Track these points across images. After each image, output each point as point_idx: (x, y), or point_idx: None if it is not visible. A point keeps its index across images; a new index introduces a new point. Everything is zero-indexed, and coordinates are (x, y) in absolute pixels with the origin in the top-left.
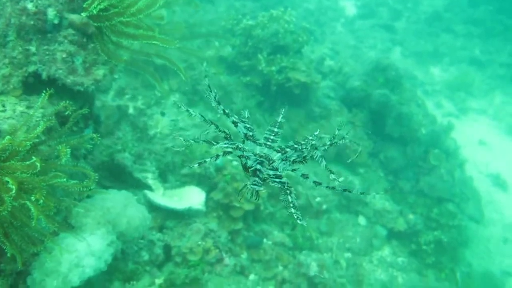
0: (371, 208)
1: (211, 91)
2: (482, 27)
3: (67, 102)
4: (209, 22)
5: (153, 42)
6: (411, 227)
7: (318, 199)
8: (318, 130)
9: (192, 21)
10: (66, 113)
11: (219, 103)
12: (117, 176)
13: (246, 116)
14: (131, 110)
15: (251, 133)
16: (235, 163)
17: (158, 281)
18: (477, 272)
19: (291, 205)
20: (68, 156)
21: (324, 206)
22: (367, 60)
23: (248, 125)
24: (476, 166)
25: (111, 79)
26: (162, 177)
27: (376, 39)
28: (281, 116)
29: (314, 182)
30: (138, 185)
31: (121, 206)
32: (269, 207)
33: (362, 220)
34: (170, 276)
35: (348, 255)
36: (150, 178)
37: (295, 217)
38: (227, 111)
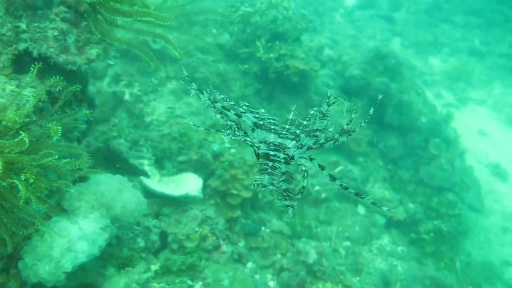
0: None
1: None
2: (482, 17)
3: (58, 77)
4: (207, 9)
5: (148, 18)
6: (411, 216)
7: (317, 187)
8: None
9: (189, 8)
10: (57, 89)
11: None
12: (113, 162)
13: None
14: (127, 97)
15: (261, 122)
16: (233, 150)
17: (154, 267)
18: (477, 262)
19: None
20: (60, 135)
21: (323, 195)
22: (366, 48)
23: (259, 115)
24: (476, 156)
25: (107, 66)
26: (159, 164)
27: (376, 29)
28: (292, 113)
29: (330, 176)
30: (134, 172)
31: (116, 190)
32: (267, 195)
33: (361, 209)
34: (166, 263)
35: (347, 243)
36: (146, 165)
37: (291, 210)
38: (231, 102)
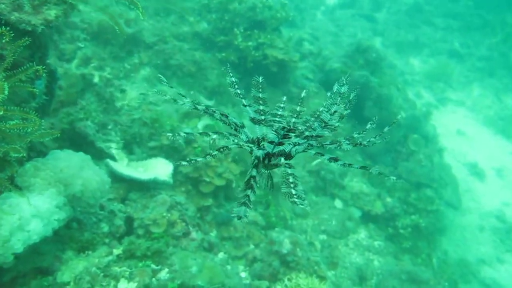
0: (348, 191)
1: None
2: (461, 20)
3: (4, 28)
4: None
5: None
6: (389, 211)
7: (292, 179)
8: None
9: None
10: (4, 41)
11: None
12: (78, 145)
13: (260, 97)
14: (96, 79)
15: (262, 117)
16: (206, 138)
17: (117, 251)
18: (453, 259)
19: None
20: (6, 93)
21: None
22: (347, 42)
23: (260, 108)
24: (454, 155)
25: (76, 48)
26: (128, 149)
27: (357, 28)
28: (304, 91)
29: (344, 164)
30: (100, 156)
31: (77, 167)
32: (241, 185)
33: (338, 203)
34: (130, 247)
35: (323, 237)
36: (113, 148)
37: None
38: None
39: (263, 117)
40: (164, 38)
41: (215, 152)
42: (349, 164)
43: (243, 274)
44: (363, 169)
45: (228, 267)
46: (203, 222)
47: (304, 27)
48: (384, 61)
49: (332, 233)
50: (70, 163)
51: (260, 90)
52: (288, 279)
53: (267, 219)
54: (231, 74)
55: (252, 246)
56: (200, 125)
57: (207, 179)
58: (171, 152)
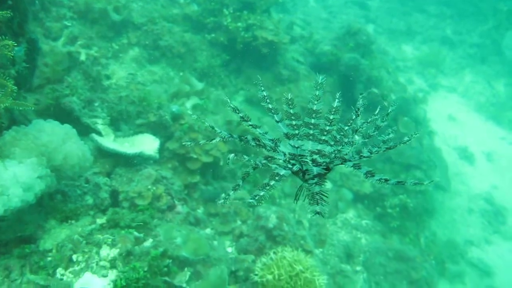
0: (337, 171)
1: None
2: (454, 8)
3: None
4: None
5: None
6: (377, 191)
7: (281, 161)
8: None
9: None
10: None
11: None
12: (63, 121)
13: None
14: (83, 57)
15: (296, 131)
16: (194, 116)
17: (100, 220)
18: (441, 240)
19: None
20: None
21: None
22: (338, 26)
23: (291, 122)
24: (444, 140)
25: (63, 27)
26: (115, 126)
27: (349, 15)
28: (336, 101)
29: (381, 179)
30: (86, 132)
31: (59, 140)
32: (230, 164)
33: (328, 183)
34: (114, 216)
35: (311, 216)
36: (100, 124)
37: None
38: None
39: (297, 131)
40: (153, 19)
41: (273, 182)
42: (386, 180)
43: (229, 249)
44: (400, 184)
45: (215, 242)
46: (191, 199)
47: (296, 13)
48: (374, 44)
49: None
50: (53, 136)
51: (290, 106)
52: (274, 253)
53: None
54: (262, 88)
55: (239, 222)
56: (189, 104)
57: (194, 156)
58: (158, 129)
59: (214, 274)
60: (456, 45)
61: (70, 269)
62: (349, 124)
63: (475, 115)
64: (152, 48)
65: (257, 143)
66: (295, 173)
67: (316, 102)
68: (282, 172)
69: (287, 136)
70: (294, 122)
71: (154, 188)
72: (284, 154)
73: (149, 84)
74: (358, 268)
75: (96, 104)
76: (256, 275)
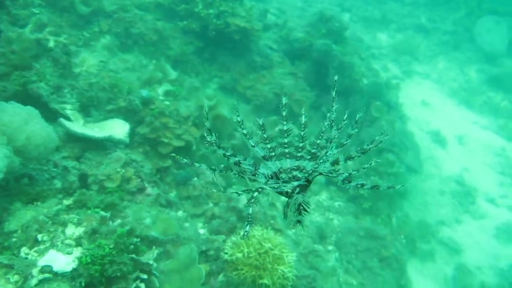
0: None
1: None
2: None
3: None
4: None
5: None
6: (350, 173)
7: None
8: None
9: None
10: None
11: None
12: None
13: (261, 123)
14: (51, 44)
15: (273, 153)
16: (167, 102)
17: (67, 202)
18: (413, 221)
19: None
20: None
21: (262, 153)
22: (311, 12)
23: (266, 145)
24: (418, 124)
25: (30, 14)
26: (85, 112)
27: (325, 3)
28: (303, 116)
29: (357, 185)
30: (54, 118)
31: (21, 120)
32: (202, 149)
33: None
34: (81, 197)
35: (284, 198)
36: (69, 110)
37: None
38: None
39: (273, 153)
40: (125, 6)
41: (256, 194)
42: (362, 185)
43: (201, 231)
44: (375, 188)
45: (187, 224)
46: (163, 183)
47: (271, 2)
48: (347, 31)
49: None
50: (15, 116)
51: (263, 131)
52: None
53: (227, 180)
54: (237, 114)
55: (211, 204)
56: (160, 90)
57: (165, 140)
58: (128, 114)
59: (184, 253)
60: (431, 33)
61: (35, 248)
62: (320, 137)
63: (448, 100)
64: (124, 36)
65: (238, 171)
66: (279, 192)
67: (284, 123)
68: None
69: (265, 158)
70: (269, 145)
71: (124, 170)
72: (265, 177)
73: (121, 72)
74: (330, 247)
75: (66, 90)
76: (226, 253)
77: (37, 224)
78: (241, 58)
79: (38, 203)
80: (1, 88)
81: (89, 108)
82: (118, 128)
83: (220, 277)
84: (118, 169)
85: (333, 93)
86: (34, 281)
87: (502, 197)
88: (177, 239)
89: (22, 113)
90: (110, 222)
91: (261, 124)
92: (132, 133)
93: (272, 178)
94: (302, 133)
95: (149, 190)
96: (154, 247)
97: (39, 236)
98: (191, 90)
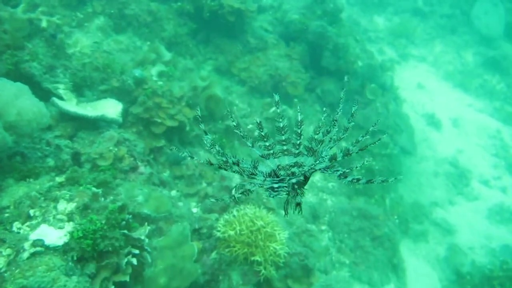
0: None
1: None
2: None
3: None
4: None
5: None
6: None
7: (250, 126)
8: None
9: None
10: None
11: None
12: None
13: (258, 122)
14: (44, 24)
15: (271, 151)
16: (160, 83)
17: (59, 179)
18: (407, 203)
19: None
20: None
21: (256, 133)
22: None
23: (263, 143)
24: (413, 107)
25: None
26: (79, 92)
27: None
28: (298, 114)
29: (353, 180)
30: (47, 98)
31: (11, 96)
32: (195, 129)
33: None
34: (73, 174)
35: (277, 119)
36: (61, 89)
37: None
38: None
39: (271, 151)
40: None
41: (239, 195)
42: (357, 179)
43: (195, 210)
44: (369, 182)
45: (180, 203)
46: (157, 163)
47: None
48: (342, 12)
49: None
50: (4, 92)
51: (261, 129)
52: (237, 210)
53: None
54: (232, 119)
55: (204, 184)
56: (154, 71)
57: (159, 120)
58: (122, 94)
59: (176, 230)
60: (427, 16)
61: (27, 223)
62: (318, 131)
63: (443, 83)
64: (117, 17)
65: (237, 169)
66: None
67: (280, 120)
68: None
69: (263, 157)
70: (267, 143)
71: (116, 149)
72: (264, 176)
73: (115, 53)
74: (323, 227)
75: (59, 70)
76: (219, 231)
77: (29, 200)
78: (236, 40)
79: (31, 180)
80: None
81: (82, 88)
82: (111, 108)
83: (213, 255)
84: (111, 148)
85: (341, 94)
86: (25, 254)
87: (495, 179)
88: (169, 216)
89: (11, 89)
90: (102, 199)
91: (258, 122)
92: (125, 113)
93: (270, 175)
94: (299, 130)
95: (141, 168)
96: (146, 223)
97: (31, 212)
98: (185, 71)
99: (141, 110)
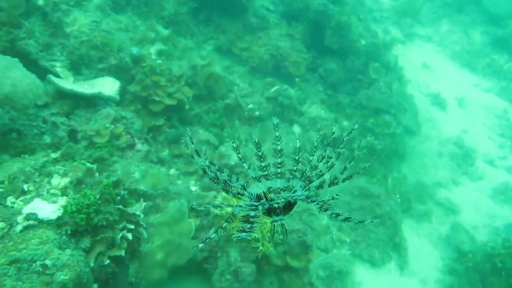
0: (307, 117)
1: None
2: None
3: None
4: None
5: None
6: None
7: (250, 105)
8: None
9: None
10: None
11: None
12: None
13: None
14: (40, 2)
15: (265, 172)
16: (159, 61)
17: (54, 155)
18: (411, 183)
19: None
20: None
21: (257, 113)
22: None
23: (261, 163)
24: (417, 87)
25: None
26: (76, 70)
27: None
28: (297, 140)
29: (346, 219)
30: (44, 76)
31: (2, 67)
32: (195, 108)
33: (296, 128)
34: (68, 150)
35: (274, 142)
36: (58, 67)
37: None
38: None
39: (265, 173)
40: None
41: (225, 224)
42: (337, 214)
43: (193, 188)
44: (347, 221)
45: (179, 181)
46: (155, 142)
47: None
48: None
49: (287, 154)
50: None
51: (258, 148)
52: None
53: (220, 139)
54: (233, 141)
55: None
56: (153, 50)
57: (157, 98)
58: (119, 73)
59: (174, 207)
60: None
61: (21, 198)
62: (313, 153)
63: (449, 63)
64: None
65: (226, 187)
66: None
67: (278, 143)
68: (252, 213)
69: (256, 179)
70: (263, 163)
71: (113, 126)
72: (250, 198)
73: (114, 32)
74: None
75: (56, 49)
76: (217, 208)
77: (23, 175)
78: (237, 20)
79: (26, 155)
80: None
81: (80, 66)
82: (108, 86)
83: (211, 232)
84: (108, 125)
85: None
86: (19, 228)
87: (501, 158)
88: (166, 193)
89: (2, 61)
90: (97, 174)
91: (256, 141)
92: (123, 91)
93: (259, 197)
94: (296, 157)
95: (139, 146)
96: (142, 199)
97: (25, 186)
98: (185, 51)
99: (138, 88)
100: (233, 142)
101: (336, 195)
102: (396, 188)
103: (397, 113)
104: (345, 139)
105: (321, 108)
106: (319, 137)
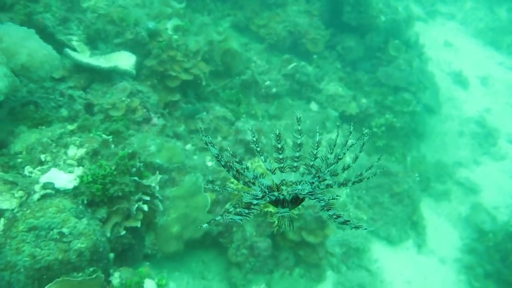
0: (324, 94)
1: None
2: None
3: None
4: None
5: None
6: (363, 111)
7: (267, 82)
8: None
9: None
10: None
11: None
12: None
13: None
14: None
15: (281, 165)
16: (175, 36)
17: (71, 127)
18: (430, 162)
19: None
20: None
21: (274, 90)
22: None
23: (278, 156)
24: (439, 65)
25: None
26: (93, 45)
27: None
28: (318, 134)
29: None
30: (61, 50)
31: (19, 38)
32: (212, 84)
33: (314, 106)
34: (84, 123)
35: (295, 135)
36: (75, 41)
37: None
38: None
39: (281, 165)
40: None
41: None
42: (337, 216)
43: (209, 163)
44: (345, 224)
45: (195, 157)
46: (172, 117)
47: None
48: None
49: (305, 132)
50: (11, 33)
51: (278, 141)
52: (251, 163)
53: (236, 115)
54: (253, 135)
55: (219, 138)
56: (169, 25)
57: (173, 74)
58: (136, 48)
59: (189, 180)
60: None
61: (39, 168)
62: (331, 151)
63: (472, 41)
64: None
65: (237, 176)
66: (271, 203)
67: (299, 137)
68: (255, 202)
69: (271, 171)
70: (280, 156)
71: (129, 100)
72: (261, 188)
73: (131, 8)
74: None
75: (73, 23)
76: (232, 183)
77: (41, 146)
78: None
79: (43, 127)
80: (8, 19)
81: (96, 41)
82: (124, 60)
83: (227, 206)
84: (124, 99)
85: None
86: (36, 196)
87: None
88: (182, 167)
89: (19, 31)
90: (112, 146)
91: (277, 134)
92: (139, 66)
93: (271, 188)
94: (315, 151)
95: (155, 120)
96: (157, 172)
97: (42, 157)
98: (202, 27)
99: (155, 63)
100: (255, 146)
101: (337, 196)
102: (415, 167)
103: (417, 91)
104: (365, 143)
105: (339, 86)
106: (343, 137)
